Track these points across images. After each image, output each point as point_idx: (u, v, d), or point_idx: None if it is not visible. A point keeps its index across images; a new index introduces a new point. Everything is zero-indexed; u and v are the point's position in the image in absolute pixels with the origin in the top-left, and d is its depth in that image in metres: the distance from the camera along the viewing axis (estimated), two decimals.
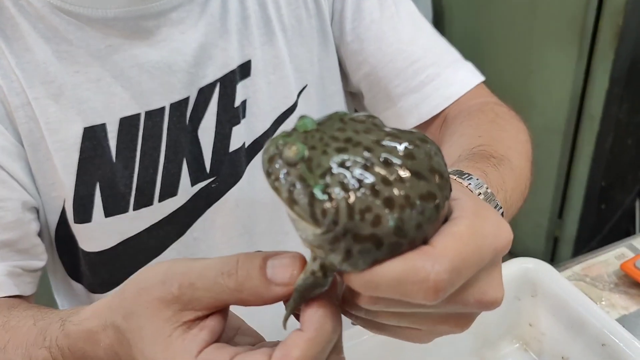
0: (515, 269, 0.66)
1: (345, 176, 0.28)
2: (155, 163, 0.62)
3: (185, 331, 0.33)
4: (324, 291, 0.32)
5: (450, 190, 0.31)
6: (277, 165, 0.30)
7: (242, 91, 0.65)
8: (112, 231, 0.63)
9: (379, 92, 0.71)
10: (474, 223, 0.30)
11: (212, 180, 0.65)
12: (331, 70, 0.71)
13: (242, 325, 0.40)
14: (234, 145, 0.65)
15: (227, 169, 0.66)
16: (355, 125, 0.30)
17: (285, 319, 0.33)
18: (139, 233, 0.64)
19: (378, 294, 0.29)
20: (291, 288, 0.32)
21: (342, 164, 0.29)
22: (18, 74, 0.57)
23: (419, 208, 0.28)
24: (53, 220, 0.62)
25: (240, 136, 0.65)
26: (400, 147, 0.29)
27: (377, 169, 0.29)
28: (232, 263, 0.33)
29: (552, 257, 1.81)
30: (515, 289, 0.66)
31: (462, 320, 0.33)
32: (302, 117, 0.30)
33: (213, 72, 0.63)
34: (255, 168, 0.67)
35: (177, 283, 0.33)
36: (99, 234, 0.62)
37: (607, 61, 1.46)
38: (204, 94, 0.63)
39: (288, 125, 0.67)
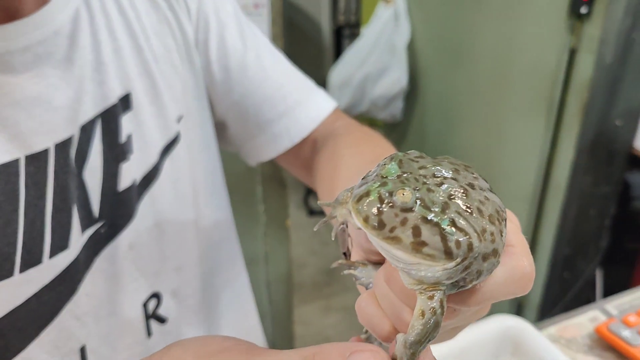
0: (495, 326, 0.67)
1: (458, 206, 0.30)
2: (42, 214, 0.54)
3: None
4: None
5: None
6: (389, 215, 0.29)
7: (126, 126, 0.61)
8: None
9: (248, 120, 0.73)
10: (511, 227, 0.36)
11: (101, 226, 0.59)
12: (201, 100, 0.71)
13: None
14: (124, 184, 0.61)
15: (117, 210, 0.60)
16: (423, 161, 0.32)
17: None
18: (27, 300, 0.54)
19: (490, 301, 0.33)
20: None
21: (449, 197, 0.30)
22: None
23: (503, 219, 0.32)
24: None
25: (130, 173, 0.61)
26: (466, 173, 0.32)
27: (472, 194, 0.31)
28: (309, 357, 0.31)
29: None
30: (495, 347, 0.66)
31: (485, 310, 0.39)
32: (384, 164, 0.31)
33: (92, 107, 0.58)
34: (147, 206, 0.63)
35: None
36: None
37: (573, 133, 1.52)
38: (87, 131, 0.58)
39: (175, 157, 0.66)
